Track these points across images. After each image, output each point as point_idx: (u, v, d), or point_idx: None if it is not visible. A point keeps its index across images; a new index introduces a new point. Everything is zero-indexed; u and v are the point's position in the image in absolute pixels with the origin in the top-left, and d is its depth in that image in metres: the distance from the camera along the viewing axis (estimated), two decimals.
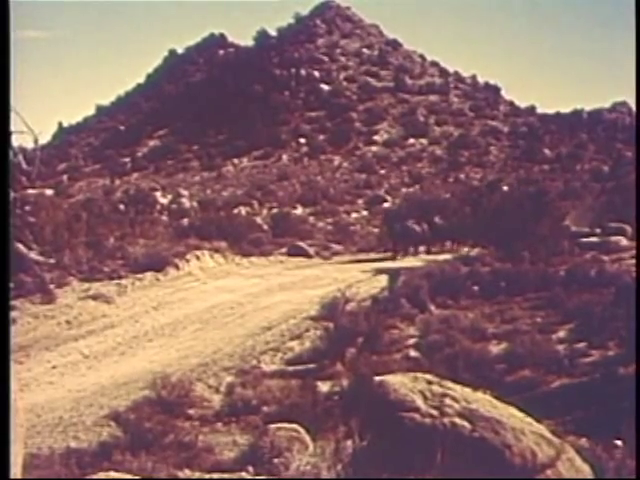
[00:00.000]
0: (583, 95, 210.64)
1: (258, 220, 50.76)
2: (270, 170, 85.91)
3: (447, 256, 33.94)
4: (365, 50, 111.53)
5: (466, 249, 34.95)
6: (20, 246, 31.78)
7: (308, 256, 38.26)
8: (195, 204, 59.44)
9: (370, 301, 23.86)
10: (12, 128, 34.70)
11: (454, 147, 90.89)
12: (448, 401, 9.54)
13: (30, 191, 37.99)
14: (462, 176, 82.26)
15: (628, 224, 31.28)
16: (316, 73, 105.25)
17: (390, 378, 10.11)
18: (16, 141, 35.59)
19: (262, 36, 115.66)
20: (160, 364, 19.03)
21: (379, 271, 30.41)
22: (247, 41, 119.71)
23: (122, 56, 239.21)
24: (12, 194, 34.09)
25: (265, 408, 14.60)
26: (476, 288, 24.49)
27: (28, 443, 9.68)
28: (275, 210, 58.93)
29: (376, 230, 51.04)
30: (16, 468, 7.96)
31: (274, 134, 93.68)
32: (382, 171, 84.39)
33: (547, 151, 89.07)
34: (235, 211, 56.17)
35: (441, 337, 18.22)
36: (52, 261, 31.81)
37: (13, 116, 34.02)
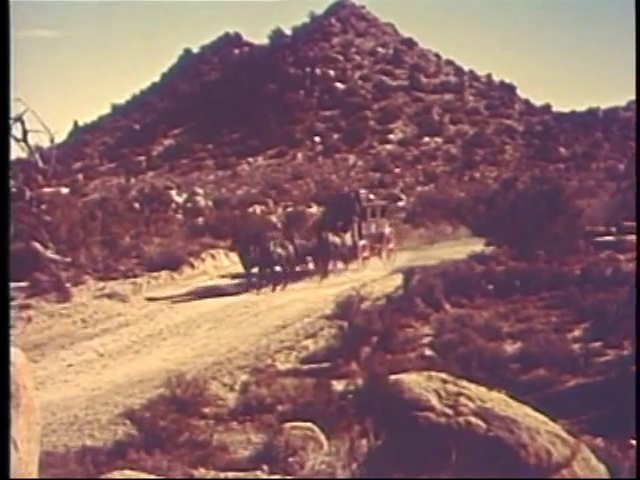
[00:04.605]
0: (598, 93, 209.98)
1: (273, 219, 50.80)
2: (285, 169, 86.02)
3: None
4: (380, 49, 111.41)
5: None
6: (36, 245, 31.89)
7: None
8: (210, 203, 59.53)
9: (385, 300, 23.84)
10: (28, 127, 34.90)
11: (469, 146, 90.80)
12: (463, 400, 9.51)
13: (46, 190, 38.09)
14: (477, 175, 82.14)
15: None
16: (331, 72, 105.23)
17: (405, 377, 10.09)
18: (32, 140, 35.82)
19: (277, 35, 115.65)
20: (175, 362, 19.07)
21: (394, 270, 30.33)
22: (262, 40, 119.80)
23: (138, 55, 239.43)
24: (28, 193, 34.21)
25: (280, 407, 14.62)
26: (491, 287, 24.44)
27: (44, 441, 9.69)
28: (290, 209, 58.92)
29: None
30: (32, 467, 7.98)
31: (289, 133, 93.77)
32: (397, 170, 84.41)
33: (562, 150, 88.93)
34: (250, 210, 56.23)
35: (456, 336, 18.18)
36: (68, 260, 31.92)
37: (30, 115, 34.12)
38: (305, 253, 32.57)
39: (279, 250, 30.79)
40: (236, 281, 31.21)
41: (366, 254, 34.64)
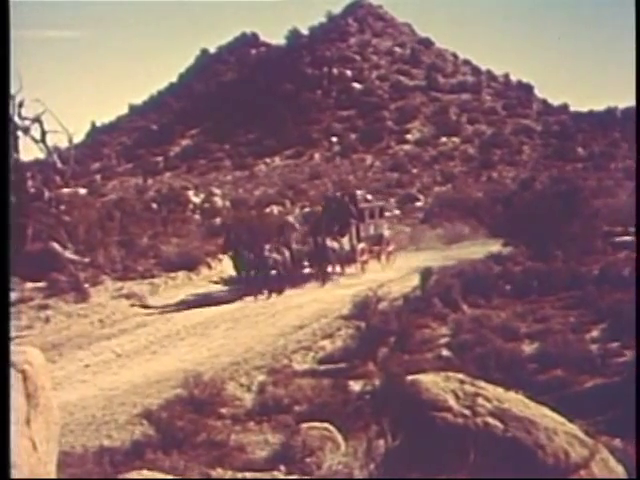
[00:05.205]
0: (617, 93, 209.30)
1: (290, 219, 50.74)
2: (302, 169, 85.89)
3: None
4: (397, 49, 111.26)
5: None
6: (55, 245, 31.99)
7: None
8: (227, 203, 59.54)
9: (402, 300, 23.82)
10: (46, 128, 35.05)
11: (486, 146, 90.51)
12: (480, 401, 9.51)
13: (64, 190, 38.21)
14: (494, 175, 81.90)
15: None
16: (348, 72, 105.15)
17: (422, 377, 10.09)
18: (51, 141, 35.96)
19: (294, 35, 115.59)
20: (192, 363, 19.10)
21: (411, 270, 30.20)
22: (279, 40, 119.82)
23: (155, 55, 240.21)
24: (47, 193, 34.35)
25: (297, 407, 14.62)
26: (508, 287, 24.41)
27: (61, 442, 9.72)
28: (307, 209, 58.83)
29: (408, 229, 50.84)
30: (51, 466, 8.00)
31: (306, 133, 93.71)
32: (414, 170, 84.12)
33: (580, 149, 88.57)
34: (267, 210, 56.19)
35: (473, 336, 18.16)
36: (86, 260, 32.01)
37: (48, 116, 34.27)
38: (302, 258, 31.77)
39: (274, 255, 29.82)
40: (229, 287, 30.55)
41: (365, 257, 33.63)
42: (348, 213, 33.90)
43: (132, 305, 27.33)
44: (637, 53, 12.81)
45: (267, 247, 29.76)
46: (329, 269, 31.85)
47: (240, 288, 29.21)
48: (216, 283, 31.74)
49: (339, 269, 32.61)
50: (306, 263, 32.06)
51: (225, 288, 30.63)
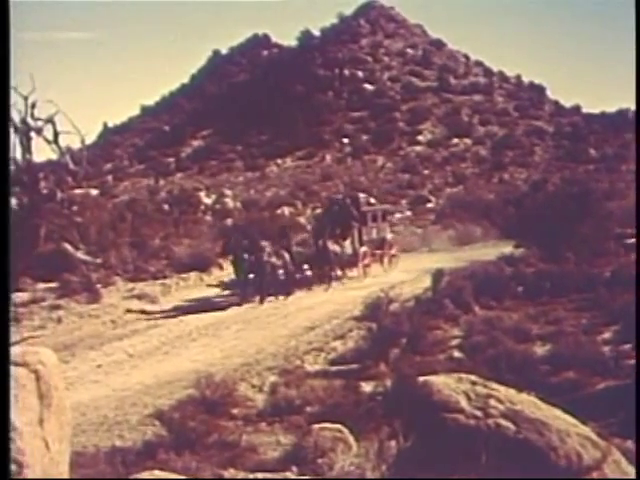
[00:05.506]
0: (628, 94, 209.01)
1: (301, 220, 50.79)
2: (313, 170, 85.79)
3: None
4: (409, 50, 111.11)
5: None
6: (67, 246, 32.06)
7: None
8: (239, 204, 59.59)
9: (413, 302, 23.81)
10: (59, 129, 35.19)
11: (498, 147, 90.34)
12: (492, 402, 9.49)
13: (77, 191, 38.30)
14: (506, 176, 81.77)
15: None
16: (359, 73, 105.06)
17: (434, 379, 10.08)
18: (63, 141, 36.06)
19: (305, 36, 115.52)
20: (204, 364, 19.12)
21: (423, 272, 30.15)
22: (290, 42, 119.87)
23: (167, 56, 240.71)
24: (59, 194, 34.44)
25: (308, 408, 14.62)
26: (520, 289, 24.38)
27: (74, 442, 9.73)
28: (318, 210, 58.84)
29: (419, 231, 50.82)
30: (64, 466, 8.02)
31: (317, 134, 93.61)
32: (426, 171, 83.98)
33: (592, 151, 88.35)
34: (278, 211, 56.23)
35: (485, 338, 18.14)
36: (98, 261, 32.08)
37: (61, 117, 34.35)
38: (303, 261, 31.25)
39: (274, 259, 29.10)
40: (227, 292, 30.19)
41: (367, 261, 33.28)
42: (350, 216, 33.60)
43: (127, 311, 26.97)
44: (637, 54, 12.78)
45: (267, 251, 29.06)
46: (331, 273, 31.50)
47: (238, 292, 28.84)
48: (216, 287, 31.56)
49: (341, 272, 32.42)
50: (306, 266, 31.60)
51: (223, 293, 30.28)
